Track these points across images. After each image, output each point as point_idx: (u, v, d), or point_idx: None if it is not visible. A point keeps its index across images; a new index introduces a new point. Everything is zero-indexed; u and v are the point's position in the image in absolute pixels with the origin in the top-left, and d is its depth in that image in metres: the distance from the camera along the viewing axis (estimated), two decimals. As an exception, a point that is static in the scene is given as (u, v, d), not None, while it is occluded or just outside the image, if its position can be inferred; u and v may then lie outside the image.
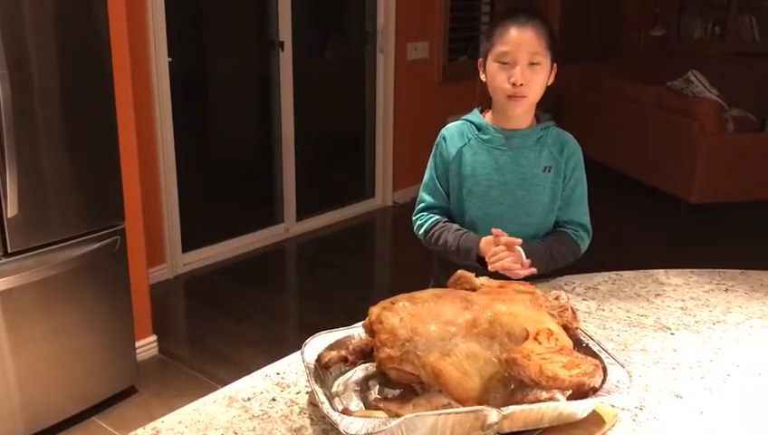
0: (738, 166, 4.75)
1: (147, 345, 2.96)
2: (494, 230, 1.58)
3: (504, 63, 1.59)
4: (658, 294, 1.63)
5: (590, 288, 1.65)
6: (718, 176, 4.75)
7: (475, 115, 1.73)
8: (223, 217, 4.22)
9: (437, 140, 1.74)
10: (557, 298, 1.18)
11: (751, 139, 4.96)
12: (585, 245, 1.73)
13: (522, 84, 1.57)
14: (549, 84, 1.65)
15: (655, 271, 1.75)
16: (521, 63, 1.57)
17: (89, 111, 2.39)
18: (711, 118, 4.72)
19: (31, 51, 2.18)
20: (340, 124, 4.96)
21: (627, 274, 1.74)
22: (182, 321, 3.56)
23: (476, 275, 1.28)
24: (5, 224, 2.19)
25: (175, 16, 3.59)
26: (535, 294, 1.18)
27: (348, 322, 1.26)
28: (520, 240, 1.57)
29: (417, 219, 1.77)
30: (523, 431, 1.04)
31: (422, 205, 1.76)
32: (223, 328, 3.28)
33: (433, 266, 1.85)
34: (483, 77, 1.67)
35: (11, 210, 2.18)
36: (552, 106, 5.83)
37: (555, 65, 1.64)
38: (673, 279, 1.71)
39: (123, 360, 2.66)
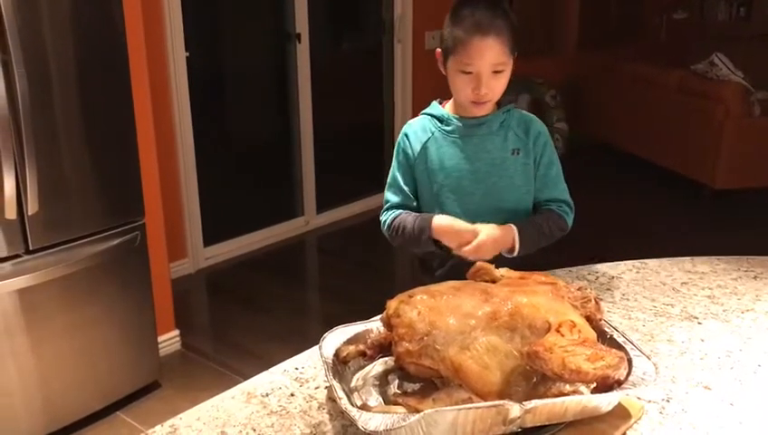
0: (765, 150, 4.64)
1: (169, 340, 2.98)
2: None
3: (467, 73, 1.54)
4: (685, 283, 1.59)
5: (613, 277, 1.62)
6: (744, 160, 4.65)
7: (434, 108, 1.68)
8: (243, 210, 4.22)
9: (399, 138, 1.69)
10: (580, 289, 1.15)
11: (778, 122, 4.84)
12: (571, 219, 1.69)
13: (486, 92, 1.54)
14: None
15: (681, 259, 1.71)
16: (484, 75, 1.52)
17: (107, 108, 2.39)
18: (736, 101, 4.62)
19: (48, 49, 2.18)
20: (359, 115, 4.93)
21: (651, 262, 1.70)
22: (204, 315, 3.57)
23: (496, 267, 1.25)
24: (27, 221, 2.20)
25: (191, 11, 3.58)
26: (557, 285, 1.15)
27: (370, 314, 1.24)
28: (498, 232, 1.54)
29: (381, 218, 1.72)
30: (546, 426, 1.02)
31: (387, 204, 1.71)
32: (245, 322, 3.29)
33: (414, 270, 1.81)
34: (442, 69, 1.61)
35: (32, 208, 2.19)
36: (573, 91, 5.79)
37: (515, 54, 1.58)
38: (699, 267, 1.67)
39: (146, 355, 2.67)
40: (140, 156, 2.52)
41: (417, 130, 1.67)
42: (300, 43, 4.15)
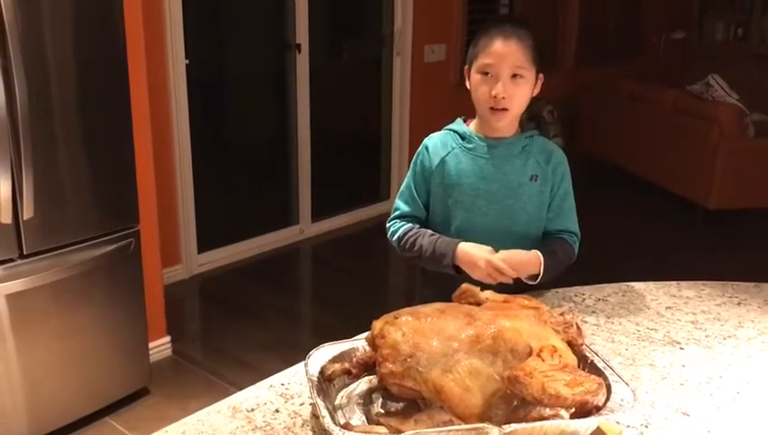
0: (758, 171, 4.67)
1: (160, 346, 2.98)
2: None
3: (487, 75, 1.58)
4: (669, 307, 1.61)
5: (599, 300, 1.64)
6: (737, 181, 4.68)
7: (458, 124, 1.71)
8: (238, 217, 4.24)
9: (419, 149, 1.72)
10: (563, 313, 1.17)
11: (772, 144, 4.88)
12: (577, 249, 1.72)
13: (503, 97, 1.56)
14: (534, 95, 1.64)
15: (667, 283, 1.73)
16: (503, 77, 1.56)
17: (104, 114, 2.40)
18: (731, 122, 4.65)
19: (48, 55, 2.20)
20: (357, 126, 4.95)
21: (637, 285, 1.72)
22: (196, 322, 3.57)
23: (482, 289, 1.27)
24: (22, 226, 2.21)
25: (192, 19, 3.60)
26: (540, 310, 1.17)
27: (362, 325, 1.25)
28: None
29: (390, 226, 1.74)
30: (525, 449, 1.03)
31: (396, 212, 1.74)
32: (237, 330, 3.30)
33: (417, 281, 1.83)
34: (468, 85, 1.65)
35: (27, 212, 2.20)
36: (570, 107, 5.82)
37: (542, 75, 1.63)
38: (685, 292, 1.69)
39: (137, 361, 2.67)
40: (137, 163, 2.54)
41: (437, 144, 1.70)
42: (300, 53, 4.18)
